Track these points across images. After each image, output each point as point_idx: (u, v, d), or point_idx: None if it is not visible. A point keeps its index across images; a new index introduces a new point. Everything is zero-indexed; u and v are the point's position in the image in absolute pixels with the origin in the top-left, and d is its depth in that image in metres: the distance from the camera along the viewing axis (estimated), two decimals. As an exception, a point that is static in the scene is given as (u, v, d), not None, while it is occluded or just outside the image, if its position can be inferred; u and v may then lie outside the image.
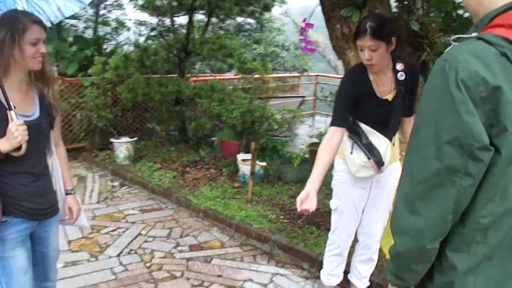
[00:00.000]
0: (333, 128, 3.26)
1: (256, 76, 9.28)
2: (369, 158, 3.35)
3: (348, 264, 4.01)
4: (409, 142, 1.62)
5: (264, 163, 6.99)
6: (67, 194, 2.92)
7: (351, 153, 3.42)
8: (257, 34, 14.41)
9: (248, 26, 13.76)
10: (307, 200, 2.96)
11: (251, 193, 6.18)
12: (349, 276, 4.02)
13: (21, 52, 2.44)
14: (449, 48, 1.53)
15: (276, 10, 10.71)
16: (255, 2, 8.93)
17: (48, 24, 2.84)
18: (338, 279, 3.91)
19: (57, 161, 2.84)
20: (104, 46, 10.53)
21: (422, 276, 1.66)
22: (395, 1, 5.68)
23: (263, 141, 7.71)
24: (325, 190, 5.36)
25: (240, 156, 7.14)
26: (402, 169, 1.65)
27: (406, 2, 5.50)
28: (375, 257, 3.86)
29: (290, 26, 14.84)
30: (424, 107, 1.55)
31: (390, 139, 3.39)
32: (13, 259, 2.57)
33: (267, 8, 9.62)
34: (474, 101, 1.40)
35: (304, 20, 4.75)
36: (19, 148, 2.40)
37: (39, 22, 2.54)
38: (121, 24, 10.54)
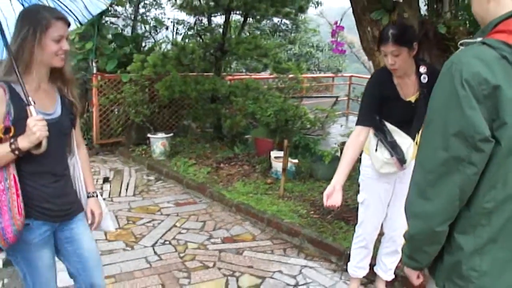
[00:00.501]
0: (359, 127, 3.45)
1: (291, 76, 9.46)
2: (392, 156, 3.53)
3: (374, 257, 4.17)
4: (421, 135, 1.81)
5: (296, 160, 7.16)
6: (89, 197, 2.85)
7: (376, 150, 3.60)
8: (293, 34, 14.58)
9: (283, 27, 13.92)
10: (332, 195, 3.15)
11: (283, 189, 6.36)
12: (375, 269, 4.17)
13: (43, 49, 2.37)
14: (457, 51, 1.71)
15: (311, 11, 10.85)
16: (290, 3, 9.10)
17: (76, 25, 2.91)
18: (364, 271, 4.07)
19: (78, 162, 2.78)
20: (143, 44, 10.77)
21: (433, 257, 1.84)
22: (425, 5, 5.80)
23: (296, 139, 7.87)
24: (355, 187, 5.49)
25: (274, 153, 7.32)
26: (415, 160, 1.83)
27: (435, 6, 5.61)
28: (400, 249, 3.99)
29: (325, 27, 14.95)
30: (433, 104, 1.74)
31: (413, 138, 3.54)
32: (38, 259, 2.57)
33: (302, 9, 9.80)
34: (477, 98, 1.57)
35: (335, 23, 4.91)
36: (39, 145, 2.33)
37: (62, 18, 2.45)
38: (159, 23, 10.76)
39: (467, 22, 5.86)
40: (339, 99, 12.72)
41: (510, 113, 1.56)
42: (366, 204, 3.88)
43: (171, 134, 8.55)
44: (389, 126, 3.55)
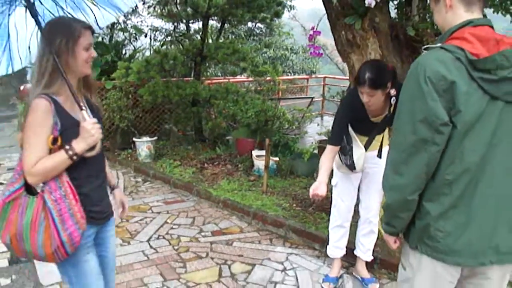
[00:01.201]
0: (330, 146, 3.91)
1: (268, 78, 9.85)
2: (342, 161, 4.15)
3: (353, 243, 4.58)
4: (393, 124, 2.25)
5: (276, 158, 7.57)
6: (114, 189, 2.99)
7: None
8: (267, 38, 14.96)
9: (258, 31, 14.27)
10: (318, 188, 3.57)
11: (266, 185, 6.74)
12: (355, 252, 4.57)
13: (76, 57, 2.45)
14: (421, 55, 2.16)
15: (284, 15, 11.22)
16: (266, 9, 9.49)
17: None
18: (342, 251, 4.51)
19: None
20: (123, 51, 11.08)
21: (407, 223, 2.28)
22: (395, 8, 6.21)
23: (275, 138, 8.26)
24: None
25: (255, 152, 7.71)
26: (389, 145, 2.30)
27: (404, 9, 6.02)
28: (376, 229, 4.41)
29: (298, 30, 15.36)
30: (403, 97, 2.18)
31: (368, 147, 4.06)
32: (86, 263, 2.62)
33: (277, 14, 10.22)
34: (437, 92, 2.01)
35: (312, 28, 5.29)
36: (92, 148, 2.44)
37: (90, 27, 2.56)
38: (138, 30, 11.08)
39: (434, 24, 6.30)
40: (314, 99, 13.14)
41: (463, 102, 2.00)
42: (339, 186, 4.38)
43: (155, 138, 8.89)
44: (352, 132, 4.05)
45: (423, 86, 2.02)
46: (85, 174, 2.52)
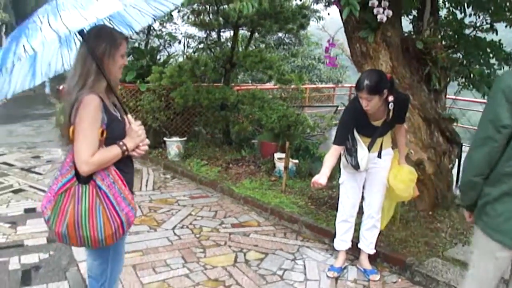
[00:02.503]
0: (335, 146, 4.44)
1: (293, 86, 10.35)
2: (347, 162, 4.63)
3: (357, 237, 5.04)
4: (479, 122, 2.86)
5: (296, 161, 8.07)
6: None
7: (342, 154, 4.66)
8: (296, 48, 15.41)
9: (287, 40, 14.71)
10: (320, 178, 4.14)
11: (284, 184, 7.23)
12: (359, 245, 5.02)
13: (114, 63, 2.74)
14: (502, 72, 2.91)
15: (313, 25, 11.70)
16: (292, 21, 10.00)
17: None
18: (347, 244, 4.97)
19: None
20: (157, 57, 11.66)
21: (473, 201, 2.88)
22: (410, 23, 6.65)
23: (297, 142, 8.74)
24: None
25: (277, 155, 8.21)
26: None
27: (416, 23, 6.46)
28: (378, 225, 4.89)
29: (327, 40, 15.77)
30: (487, 100, 2.77)
31: (370, 148, 4.56)
32: (121, 243, 3.02)
33: (303, 26, 10.76)
34: (507, 100, 2.57)
35: (328, 41, 5.78)
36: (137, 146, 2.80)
37: (126, 37, 2.87)
38: (172, 37, 11.62)
39: (444, 38, 6.73)
40: (339, 108, 13.57)
41: None
42: (345, 184, 4.84)
43: (185, 139, 9.47)
44: (356, 135, 4.54)
45: (498, 95, 2.60)
46: (125, 165, 2.82)
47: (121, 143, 2.72)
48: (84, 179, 2.63)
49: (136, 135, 2.78)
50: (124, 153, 2.72)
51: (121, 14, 3.05)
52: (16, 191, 7.29)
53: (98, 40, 2.69)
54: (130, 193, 2.77)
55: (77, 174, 2.64)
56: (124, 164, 2.80)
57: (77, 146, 2.59)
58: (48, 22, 2.31)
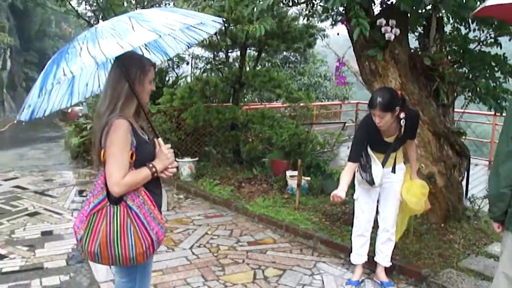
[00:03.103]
0: (350, 163, 4.60)
1: (302, 104, 10.50)
2: (362, 178, 4.74)
3: (373, 251, 5.14)
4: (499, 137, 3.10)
5: (308, 178, 8.18)
6: None
7: (357, 171, 4.78)
8: (302, 66, 15.60)
9: (293, 59, 14.90)
10: (338, 192, 4.29)
11: (298, 201, 7.33)
12: (375, 258, 5.12)
13: (143, 88, 2.88)
14: None
15: (318, 43, 11.89)
16: (299, 40, 10.18)
17: None
18: (363, 258, 5.09)
19: None
20: (166, 78, 11.84)
21: (503, 212, 3.08)
22: (416, 40, 6.79)
23: (308, 160, 8.85)
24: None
25: (289, 173, 8.32)
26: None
27: (423, 40, 6.60)
28: (393, 238, 5.00)
29: (332, 57, 16.00)
30: (505, 120, 3.07)
31: (384, 164, 4.70)
32: (150, 264, 3.20)
33: (310, 45, 10.95)
34: None
35: (338, 60, 5.93)
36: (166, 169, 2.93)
37: (154, 64, 3.02)
38: (181, 59, 11.81)
39: (450, 53, 6.87)
40: (346, 124, 13.70)
41: None
42: (360, 200, 4.98)
43: (196, 159, 9.59)
44: (370, 152, 4.69)
45: None
46: (154, 186, 2.93)
47: (150, 165, 2.82)
48: (115, 200, 2.74)
49: (165, 157, 2.88)
50: (153, 175, 2.82)
51: (157, 41, 3.20)
52: (31, 214, 7.39)
53: (131, 65, 2.83)
54: (159, 213, 2.89)
55: (108, 195, 2.75)
56: (154, 185, 2.91)
57: (109, 169, 2.71)
58: (87, 48, 2.44)
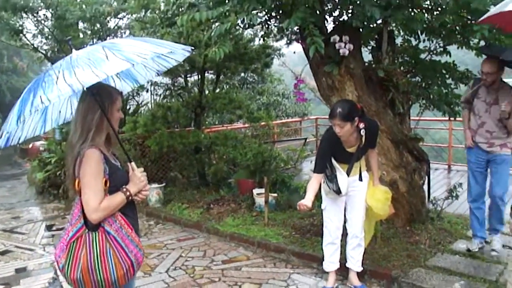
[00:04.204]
0: (315, 174, 4.90)
1: (262, 123, 10.71)
2: (329, 188, 4.95)
3: (345, 258, 5.34)
4: None
5: (275, 194, 8.37)
6: None
7: (323, 182, 5.02)
8: (260, 85, 15.82)
9: (250, 79, 15.08)
10: (305, 201, 4.58)
11: (267, 218, 7.51)
12: (347, 264, 5.34)
13: (112, 116, 2.97)
14: None
15: (275, 62, 12.16)
16: (256, 60, 10.42)
17: None
18: (335, 265, 5.30)
19: None
20: (127, 106, 11.93)
21: None
22: (369, 53, 7.07)
23: (273, 177, 9.04)
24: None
25: (256, 191, 8.49)
26: None
27: (375, 53, 6.88)
28: (362, 243, 5.24)
29: (288, 75, 16.24)
30: None
31: (349, 173, 4.93)
32: (133, 284, 3.25)
33: (267, 65, 11.21)
34: None
35: (296, 78, 6.15)
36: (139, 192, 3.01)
37: (121, 93, 3.17)
38: (141, 87, 11.88)
39: (403, 64, 7.18)
40: (308, 140, 13.95)
41: None
42: (327, 209, 5.21)
43: (163, 184, 9.68)
44: (334, 163, 4.93)
45: None
46: (130, 210, 3.03)
47: (124, 189, 2.92)
48: (93, 227, 2.84)
49: (139, 180, 2.99)
50: (128, 198, 2.93)
51: (128, 69, 3.27)
52: (2, 253, 7.36)
53: (100, 96, 2.92)
54: (136, 236, 2.99)
55: (86, 222, 2.84)
56: (129, 209, 3.02)
57: (85, 197, 2.80)
58: (63, 77, 2.55)
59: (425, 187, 7.30)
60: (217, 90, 11.58)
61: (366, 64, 6.90)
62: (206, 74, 11.11)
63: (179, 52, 3.30)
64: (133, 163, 3.04)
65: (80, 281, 2.83)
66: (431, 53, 7.16)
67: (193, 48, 3.39)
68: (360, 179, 5.00)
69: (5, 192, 13.37)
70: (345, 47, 5.81)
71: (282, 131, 15.59)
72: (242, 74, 13.98)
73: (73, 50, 2.81)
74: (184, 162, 10.38)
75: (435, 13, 6.30)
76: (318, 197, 5.29)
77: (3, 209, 10.71)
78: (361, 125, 4.67)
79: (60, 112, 3.31)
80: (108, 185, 2.86)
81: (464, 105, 6.08)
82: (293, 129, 16.75)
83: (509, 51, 5.46)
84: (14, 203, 11.45)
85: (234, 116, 11.26)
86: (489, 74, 5.50)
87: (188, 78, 11.57)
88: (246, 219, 7.86)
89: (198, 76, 10.81)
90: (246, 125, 11.31)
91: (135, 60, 2.69)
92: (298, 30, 6.49)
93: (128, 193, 2.93)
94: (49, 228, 8.71)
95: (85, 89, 2.80)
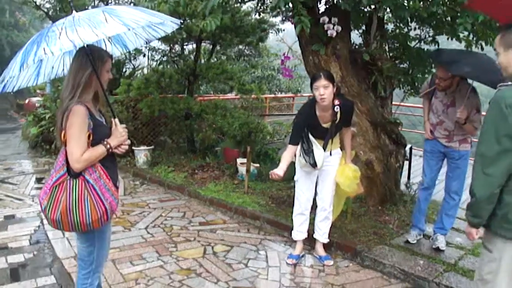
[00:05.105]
0: (290, 145, 5.16)
1: (253, 96, 10.96)
2: (306, 161, 5.20)
3: (313, 230, 5.66)
4: (478, 140, 3.02)
5: (257, 165, 8.69)
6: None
7: (300, 155, 5.28)
8: (256, 59, 15.98)
9: (248, 52, 15.24)
10: (277, 171, 4.89)
11: (247, 186, 7.82)
12: (314, 235, 5.65)
13: (102, 77, 3.19)
14: (497, 90, 3.00)
15: (273, 37, 12.35)
16: (252, 35, 10.62)
17: None
18: (303, 235, 5.63)
19: None
20: (123, 70, 12.12)
21: (489, 214, 3.02)
22: (359, 36, 7.30)
23: (257, 148, 9.34)
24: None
25: (239, 160, 8.79)
26: (475, 156, 3.06)
27: (366, 37, 7.11)
28: (330, 216, 5.55)
29: (286, 51, 16.37)
30: (487, 119, 2.98)
31: (325, 147, 5.19)
32: (107, 231, 3.48)
33: (261, 39, 11.42)
34: None
35: (283, 54, 6.39)
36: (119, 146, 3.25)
37: (111, 56, 3.40)
38: (138, 51, 12.04)
39: (392, 50, 7.40)
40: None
41: None
42: (300, 181, 5.49)
43: (152, 147, 9.99)
44: (311, 138, 5.19)
45: (505, 111, 2.82)
46: (109, 161, 3.27)
47: (105, 142, 3.17)
48: (74, 174, 3.10)
49: (120, 135, 3.24)
50: (108, 151, 3.17)
51: (119, 34, 3.58)
52: (-8, 201, 7.66)
53: (93, 55, 3.15)
54: (113, 186, 3.26)
55: (68, 170, 3.11)
56: (109, 161, 3.26)
57: (70, 148, 3.06)
58: (66, 33, 2.82)
59: (406, 171, 7.57)
60: (213, 61, 11.81)
61: (356, 47, 7.15)
62: (203, 44, 11.32)
63: (168, 24, 3.59)
64: (116, 119, 3.28)
65: (58, 221, 3.11)
66: (421, 41, 7.37)
67: (181, 21, 3.65)
68: (330, 153, 5.28)
69: (-1, 144, 13.62)
70: (333, 28, 6.00)
71: (274, 106, 15.83)
72: (240, 47, 14.16)
73: (74, 11, 3.07)
74: (174, 127, 10.66)
75: (428, 2, 6.42)
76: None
77: (-5, 161, 10.98)
78: (336, 102, 4.93)
79: (53, 67, 3.58)
80: (91, 138, 3.10)
81: (423, 97, 6.01)
82: (286, 104, 16.98)
83: (461, 63, 5.16)
84: (7, 155, 11.73)
85: (227, 87, 11.50)
86: (442, 79, 5.43)
87: (185, 47, 11.77)
88: (228, 186, 8.17)
89: (195, 45, 11.02)
90: (238, 96, 11.55)
91: (131, 26, 2.97)
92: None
93: (108, 146, 3.17)
94: (39, 180, 9.02)
95: (86, 46, 3.03)
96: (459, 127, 5.48)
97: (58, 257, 5.47)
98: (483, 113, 3.69)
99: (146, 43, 3.89)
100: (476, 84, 5.37)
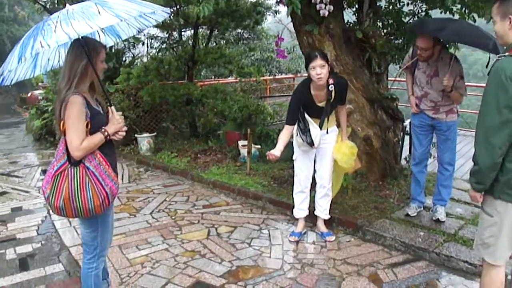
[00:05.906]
0: (287, 125, 5.23)
1: (253, 78, 11.03)
2: (303, 141, 5.29)
3: (314, 207, 5.77)
4: (480, 111, 3.12)
5: (259, 146, 8.81)
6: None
7: (297, 135, 5.35)
8: (255, 42, 16.02)
9: (246, 35, 15.28)
10: (275, 151, 4.95)
11: (249, 168, 7.93)
12: (315, 212, 5.74)
13: (96, 67, 3.29)
14: (496, 61, 3.09)
15: (271, 19, 12.42)
16: (247, 18, 10.67)
17: None
18: (304, 212, 5.73)
19: None
20: (123, 58, 12.18)
21: (492, 181, 3.16)
22: (353, 14, 7.34)
23: (258, 129, 9.44)
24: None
25: (241, 142, 8.90)
26: (477, 126, 3.19)
27: (358, 15, 7.16)
28: (329, 193, 5.64)
29: (285, 32, 16.41)
30: (488, 91, 3.06)
31: (321, 126, 5.26)
32: (109, 215, 3.58)
33: (258, 22, 11.45)
34: None
35: (277, 35, 6.47)
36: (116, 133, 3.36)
37: (105, 46, 3.52)
38: (137, 40, 12.08)
39: (386, 26, 7.44)
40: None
41: None
42: (298, 160, 5.58)
43: (155, 134, 10.12)
44: (307, 117, 5.27)
45: (505, 82, 2.91)
46: (108, 148, 3.37)
47: (103, 129, 3.27)
48: (75, 162, 3.20)
49: (116, 122, 3.35)
50: (106, 138, 3.28)
51: (113, 25, 3.68)
52: (0, 194, 7.79)
53: (87, 47, 3.26)
54: (113, 172, 3.36)
55: (69, 158, 3.21)
56: (108, 148, 3.36)
57: (69, 137, 3.15)
58: (61, 26, 2.94)
59: (405, 145, 7.65)
60: (211, 45, 11.87)
61: (350, 25, 7.20)
62: (200, 30, 11.38)
63: (159, 13, 3.71)
64: (112, 107, 3.39)
65: (62, 208, 3.22)
66: (414, 16, 7.39)
67: (171, 10, 3.76)
68: (327, 132, 5.35)
69: (4, 139, 13.78)
70: (325, 8, 6.03)
71: (274, 87, 15.88)
72: (238, 30, 14.19)
73: (67, 5, 3.19)
74: (176, 113, 10.78)
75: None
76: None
77: (1, 155, 11.15)
78: (330, 81, 5.00)
79: (48, 59, 3.70)
80: (89, 127, 3.20)
81: (406, 71, 6.04)
82: (286, 85, 17.03)
83: (448, 29, 5.14)
84: (13, 149, 11.88)
85: (226, 71, 11.57)
86: (423, 50, 5.40)
87: (183, 33, 11.83)
88: (230, 169, 8.28)
89: (192, 31, 11.08)
90: (237, 79, 11.63)
91: (123, 17, 3.10)
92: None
93: (106, 133, 3.27)
94: (44, 172, 9.05)
95: (80, 37, 3.14)
96: (445, 96, 5.53)
97: (65, 246, 5.59)
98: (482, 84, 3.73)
99: (138, 32, 3.99)
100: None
